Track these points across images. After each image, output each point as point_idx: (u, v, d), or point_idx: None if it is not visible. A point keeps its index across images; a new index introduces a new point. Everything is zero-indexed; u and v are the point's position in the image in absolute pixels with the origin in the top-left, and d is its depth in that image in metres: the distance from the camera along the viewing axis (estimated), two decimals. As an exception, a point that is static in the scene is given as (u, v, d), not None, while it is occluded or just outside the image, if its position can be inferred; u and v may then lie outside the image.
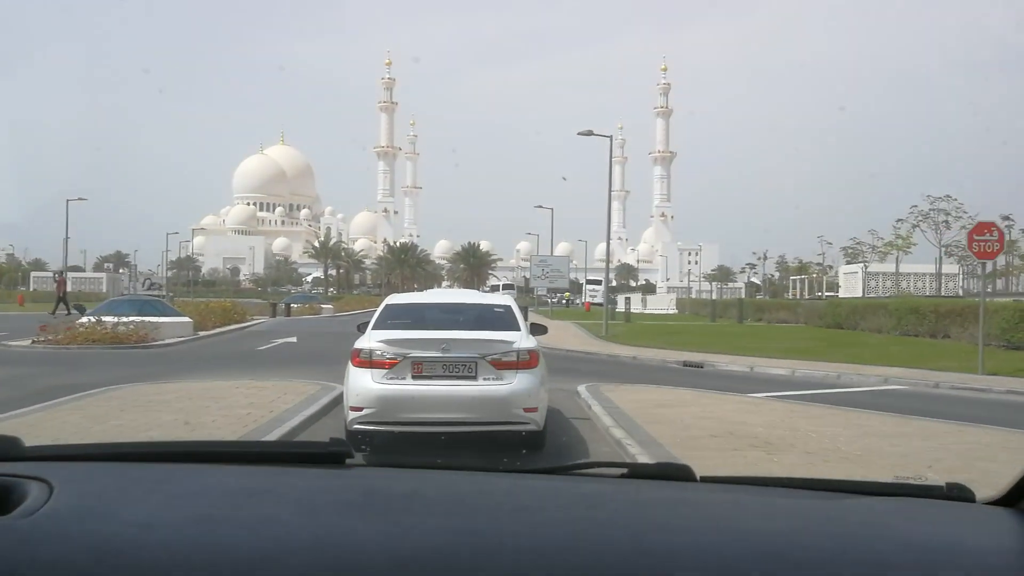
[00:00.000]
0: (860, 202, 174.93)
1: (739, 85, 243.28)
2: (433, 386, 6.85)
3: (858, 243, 45.87)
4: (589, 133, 24.39)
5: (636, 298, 53.59)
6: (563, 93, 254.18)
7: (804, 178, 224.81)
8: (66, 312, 28.28)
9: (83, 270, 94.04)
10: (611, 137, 24.65)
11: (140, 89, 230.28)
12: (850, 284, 52.75)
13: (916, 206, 38.88)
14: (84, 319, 20.10)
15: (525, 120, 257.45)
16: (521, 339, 7.15)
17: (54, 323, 19.98)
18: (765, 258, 60.90)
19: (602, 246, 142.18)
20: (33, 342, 18.71)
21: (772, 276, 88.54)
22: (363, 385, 6.88)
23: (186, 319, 22.36)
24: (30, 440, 1.49)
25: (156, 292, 29.44)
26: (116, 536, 1.08)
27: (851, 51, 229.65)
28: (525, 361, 6.98)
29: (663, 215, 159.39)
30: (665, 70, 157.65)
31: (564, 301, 64.55)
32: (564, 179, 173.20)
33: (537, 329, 8.43)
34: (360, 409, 6.85)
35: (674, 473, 1.52)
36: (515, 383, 6.87)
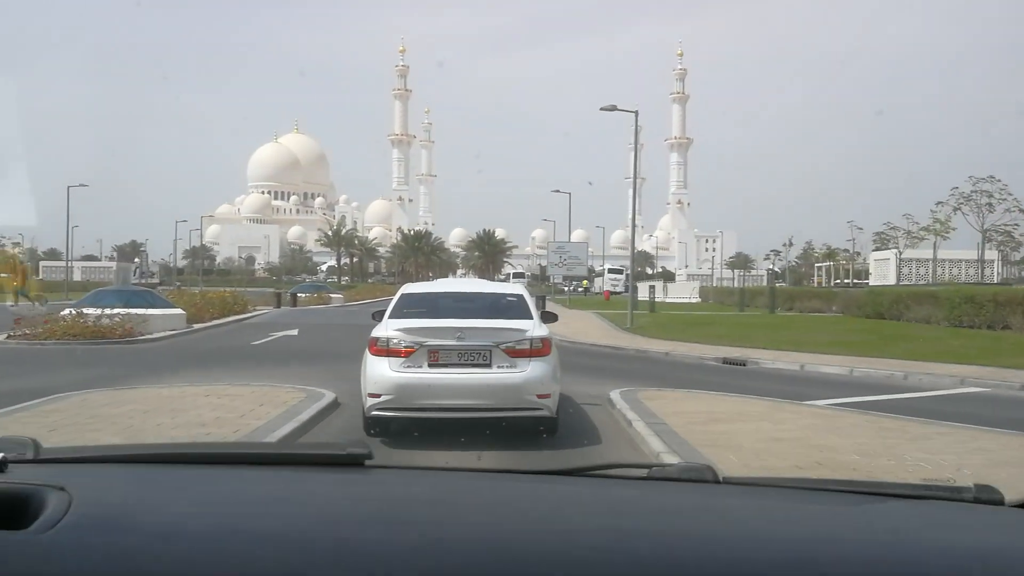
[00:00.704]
0: (880, 190, 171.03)
1: (755, 71, 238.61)
2: (449, 374, 6.95)
3: (893, 227, 43.37)
4: (613, 108, 22.53)
5: (657, 286, 51.47)
6: (578, 80, 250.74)
7: (819, 166, 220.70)
8: (29, 303, 26.79)
9: (98, 259, 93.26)
10: (636, 112, 22.76)
11: (156, 80, 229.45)
12: (881, 271, 50.51)
13: (957, 188, 36.44)
14: (66, 311, 18.56)
15: (540, 107, 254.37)
16: (534, 327, 7.26)
17: (31, 315, 18.44)
18: (791, 244, 58.43)
19: (618, 233, 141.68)
20: (8, 336, 17.17)
21: (793, 263, 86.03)
22: (381, 372, 6.97)
23: (178, 311, 20.75)
24: None
25: (146, 281, 27.93)
26: (139, 549, 1.07)
27: (872, 35, 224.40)
28: (538, 349, 7.08)
29: (679, 202, 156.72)
30: (681, 55, 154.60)
31: (582, 289, 62.70)
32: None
33: (547, 317, 8.29)
34: (378, 396, 6.95)
35: (697, 474, 1.48)
36: (528, 370, 6.98)
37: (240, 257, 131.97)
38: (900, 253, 43.59)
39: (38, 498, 1.15)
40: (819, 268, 73.83)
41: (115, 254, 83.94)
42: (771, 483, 1.55)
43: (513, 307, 7.90)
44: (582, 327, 23.58)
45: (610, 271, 71.85)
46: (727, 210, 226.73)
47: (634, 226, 24.12)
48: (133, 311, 18.47)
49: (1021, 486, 5.38)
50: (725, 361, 15.27)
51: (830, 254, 64.00)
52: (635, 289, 24.20)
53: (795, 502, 1.41)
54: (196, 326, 21.42)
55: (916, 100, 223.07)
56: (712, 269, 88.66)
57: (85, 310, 18.19)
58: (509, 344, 7.02)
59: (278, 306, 33.19)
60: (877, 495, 1.40)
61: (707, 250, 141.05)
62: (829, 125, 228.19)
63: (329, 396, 9.28)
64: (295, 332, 20.80)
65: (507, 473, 1.60)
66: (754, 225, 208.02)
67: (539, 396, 7.00)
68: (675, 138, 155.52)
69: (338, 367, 13.33)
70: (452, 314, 7.62)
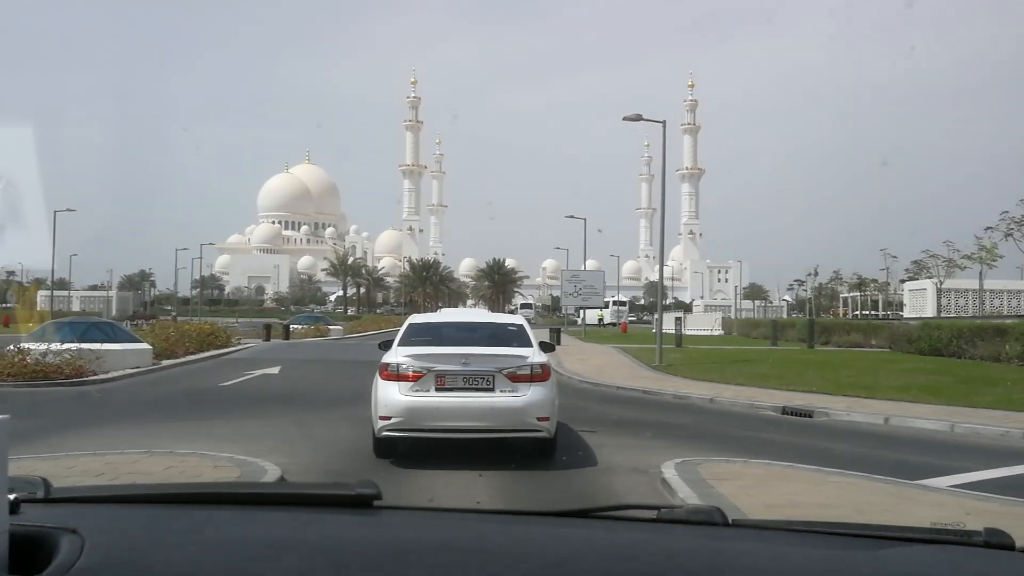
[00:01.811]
0: (894, 222, 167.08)
1: (763, 102, 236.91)
2: (454, 397, 7.31)
3: (932, 255, 40.44)
4: (638, 118, 20.05)
5: (672, 317, 48.54)
6: (589, 111, 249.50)
7: (832, 196, 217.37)
8: None
9: (106, 288, 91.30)
10: (664, 123, 20.27)
11: (170, 111, 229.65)
12: (917, 302, 47.51)
13: (1007, 212, 33.64)
14: (10, 347, 16.04)
15: (551, 139, 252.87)
16: (534, 354, 7.66)
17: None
18: (816, 274, 55.33)
19: (629, 263, 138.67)
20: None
21: (810, 293, 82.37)
22: (391, 396, 7.31)
23: (143, 346, 18.15)
24: None
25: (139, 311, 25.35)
26: None
27: (886, 68, 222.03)
28: (538, 374, 7.46)
29: (691, 233, 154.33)
30: (692, 86, 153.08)
31: (600, 320, 59.89)
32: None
33: (545, 347, 8.39)
34: (389, 418, 7.29)
35: (706, 516, 1.46)
36: (529, 394, 7.36)
37: (250, 287, 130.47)
38: (941, 282, 40.59)
39: (51, 541, 1.15)
40: (844, 299, 70.71)
41: (108, 282, 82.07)
42: (781, 526, 1.50)
43: (514, 336, 8.28)
44: (604, 364, 20.84)
45: (614, 303, 69.66)
46: (738, 240, 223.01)
47: (662, 247, 21.43)
48: (86, 346, 15.93)
49: None
50: (786, 411, 12.50)
51: (860, 283, 60.74)
52: (662, 322, 21.44)
53: (805, 546, 1.38)
54: (165, 363, 18.83)
55: (928, 139, 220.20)
56: (733, 299, 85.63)
57: (31, 345, 15.68)
58: (511, 369, 7.38)
59: (267, 339, 30.37)
60: (888, 539, 1.36)
61: (719, 280, 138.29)
62: (844, 155, 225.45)
63: (272, 474, 6.64)
64: (276, 370, 18.16)
65: (517, 515, 1.61)
66: (766, 255, 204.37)
67: (539, 419, 7.35)
68: (686, 168, 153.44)
69: (308, 419, 10.73)
70: (457, 342, 7.96)
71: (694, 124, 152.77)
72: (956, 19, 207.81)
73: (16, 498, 1.24)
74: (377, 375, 7.55)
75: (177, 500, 1.55)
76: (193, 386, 15.34)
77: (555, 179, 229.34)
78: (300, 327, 35.91)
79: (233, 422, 10.41)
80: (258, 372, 17.64)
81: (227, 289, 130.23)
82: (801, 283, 69.41)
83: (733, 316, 65.71)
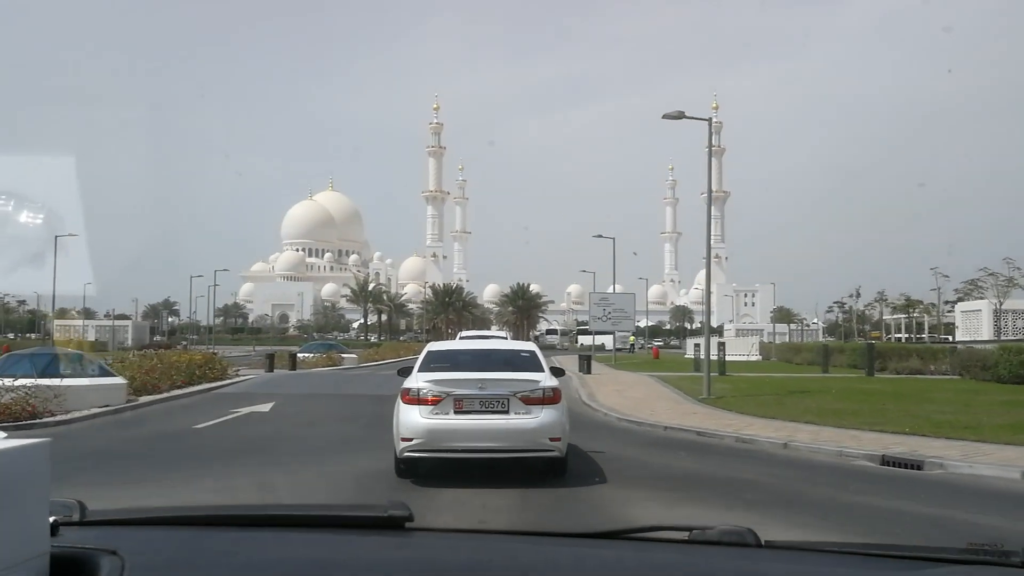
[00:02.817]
0: (921, 246, 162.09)
1: (785, 125, 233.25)
2: (472, 419, 7.74)
3: (991, 273, 37.46)
4: (680, 115, 17.63)
5: (711, 343, 45.46)
6: (613, 136, 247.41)
7: (856, 219, 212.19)
8: None
9: (111, 317, 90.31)
10: (710, 120, 17.90)
11: (197, 142, 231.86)
12: (970, 324, 44.28)
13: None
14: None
15: (574, 164, 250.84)
16: (545, 379, 8.14)
17: None
18: (858, 295, 51.96)
19: (655, 288, 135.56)
20: None
21: (841, 317, 78.72)
22: (412, 419, 7.73)
23: (115, 381, 15.90)
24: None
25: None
26: None
27: (927, 84, 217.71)
28: (549, 397, 7.91)
29: (717, 256, 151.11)
30: (716, 108, 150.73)
31: (630, 346, 57.18)
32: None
33: (556, 372, 8.71)
34: (410, 439, 7.71)
35: (738, 537, 1.42)
36: (542, 416, 7.79)
37: (274, 315, 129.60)
38: (1000, 302, 37.55)
39: (92, 562, 1.15)
40: (885, 322, 67.19)
41: (112, 310, 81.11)
42: (814, 547, 1.47)
43: (527, 361, 8.72)
44: (643, 397, 18.26)
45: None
46: (762, 264, 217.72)
47: (709, 261, 18.96)
48: (43, 382, 13.74)
49: None
50: (887, 461, 9.88)
51: (908, 305, 57.44)
52: (677, 346, 18.82)
53: (839, 567, 1.34)
54: (144, 399, 16.60)
55: (958, 162, 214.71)
56: (765, 323, 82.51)
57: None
58: (524, 393, 7.81)
59: (270, 370, 27.96)
60: (924, 559, 1.32)
61: (746, 304, 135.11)
62: (869, 178, 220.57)
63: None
64: (267, 408, 15.81)
65: (548, 536, 1.61)
66: (790, 278, 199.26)
67: (551, 439, 7.78)
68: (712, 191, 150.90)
69: (277, 479, 8.33)
70: (473, 368, 8.41)
71: (719, 146, 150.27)
72: (998, 33, 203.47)
73: (55, 520, 1.25)
74: (399, 399, 7.97)
75: (212, 522, 1.55)
76: (161, 429, 13.03)
77: (578, 205, 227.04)
78: (310, 356, 33.53)
79: (176, 485, 8.06)
80: (245, 410, 15.30)
81: (251, 317, 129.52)
82: (842, 305, 66.09)
83: (766, 340, 62.59)
